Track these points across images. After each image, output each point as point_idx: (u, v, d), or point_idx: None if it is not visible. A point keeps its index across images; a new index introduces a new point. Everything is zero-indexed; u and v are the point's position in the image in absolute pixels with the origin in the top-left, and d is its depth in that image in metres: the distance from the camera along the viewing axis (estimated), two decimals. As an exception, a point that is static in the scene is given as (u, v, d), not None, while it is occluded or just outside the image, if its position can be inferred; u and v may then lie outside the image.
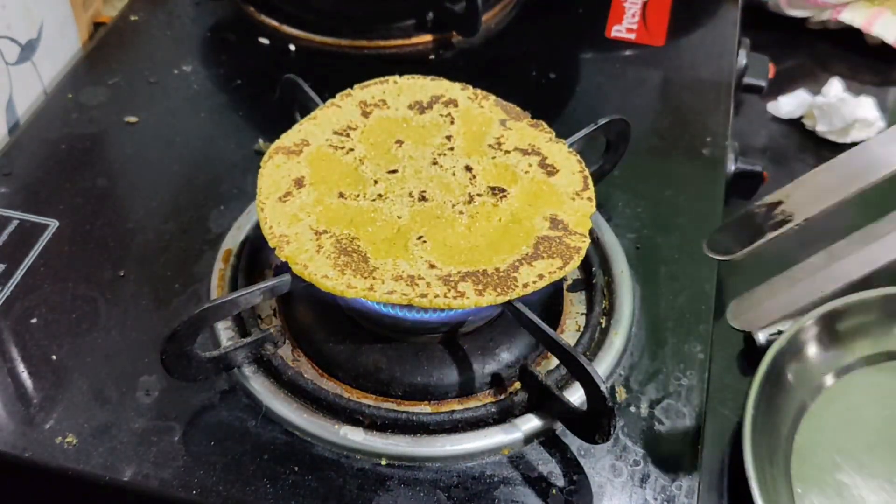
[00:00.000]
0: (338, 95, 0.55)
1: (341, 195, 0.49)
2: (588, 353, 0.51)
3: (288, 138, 0.52)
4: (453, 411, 0.47)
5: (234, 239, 0.56)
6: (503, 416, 0.47)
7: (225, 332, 0.50)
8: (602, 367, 0.50)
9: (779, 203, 0.44)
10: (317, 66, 0.71)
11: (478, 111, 0.54)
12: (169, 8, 0.77)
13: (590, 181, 0.51)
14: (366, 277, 0.45)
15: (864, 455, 0.55)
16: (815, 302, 0.44)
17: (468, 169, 0.51)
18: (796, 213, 0.43)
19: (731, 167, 0.65)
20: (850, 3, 0.84)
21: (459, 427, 0.47)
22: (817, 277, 0.44)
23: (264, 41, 0.73)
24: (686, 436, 0.48)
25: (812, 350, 0.58)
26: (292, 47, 0.73)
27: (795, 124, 0.80)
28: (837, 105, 0.77)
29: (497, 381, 0.49)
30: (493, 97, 0.55)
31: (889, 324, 0.59)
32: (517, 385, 0.49)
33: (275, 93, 0.59)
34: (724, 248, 0.44)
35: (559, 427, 0.47)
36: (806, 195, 0.43)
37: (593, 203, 0.50)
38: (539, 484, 0.46)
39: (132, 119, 0.65)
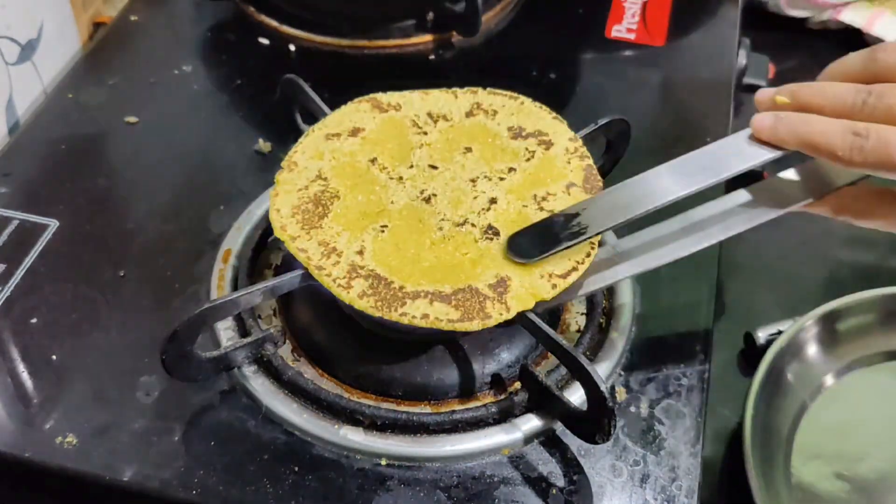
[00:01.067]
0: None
1: (373, 161, 0.50)
2: (588, 353, 0.51)
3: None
4: (453, 411, 0.47)
5: (234, 239, 0.56)
6: (503, 416, 0.47)
7: (225, 332, 0.50)
8: (602, 367, 0.50)
9: (575, 215, 0.46)
10: (317, 66, 0.71)
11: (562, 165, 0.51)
12: (169, 8, 0.77)
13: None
14: (306, 230, 0.46)
15: (864, 455, 0.55)
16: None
17: (492, 201, 0.48)
18: (590, 227, 0.45)
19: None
20: (850, 3, 0.84)
21: (459, 427, 0.47)
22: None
23: (264, 41, 0.73)
24: (686, 436, 0.48)
25: (812, 350, 0.58)
26: (292, 47, 0.73)
27: (795, 124, 0.80)
28: (837, 105, 0.77)
29: (497, 381, 0.49)
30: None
31: (889, 324, 0.60)
32: (517, 385, 0.49)
33: (275, 93, 0.59)
34: (524, 251, 0.45)
35: (559, 427, 0.47)
36: (598, 211, 0.46)
37: None
38: (539, 484, 0.46)
39: (132, 119, 0.65)
